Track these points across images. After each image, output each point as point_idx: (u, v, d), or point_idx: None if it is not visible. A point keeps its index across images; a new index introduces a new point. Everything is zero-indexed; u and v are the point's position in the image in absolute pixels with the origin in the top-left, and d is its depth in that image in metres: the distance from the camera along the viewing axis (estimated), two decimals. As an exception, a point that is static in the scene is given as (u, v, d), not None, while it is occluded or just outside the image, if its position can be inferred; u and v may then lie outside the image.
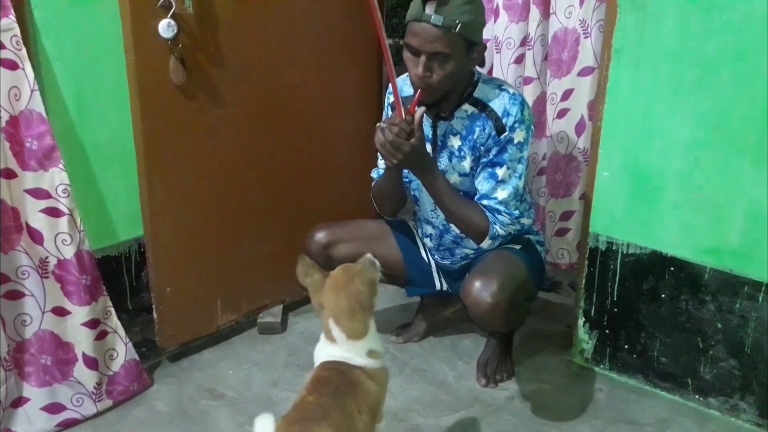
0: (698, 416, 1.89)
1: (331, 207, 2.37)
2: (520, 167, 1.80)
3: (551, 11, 2.19)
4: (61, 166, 1.68)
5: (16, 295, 1.69)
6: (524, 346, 2.20)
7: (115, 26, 1.76)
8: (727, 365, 1.84)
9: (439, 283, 2.12)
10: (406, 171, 1.89)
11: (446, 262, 2.07)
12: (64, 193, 1.69)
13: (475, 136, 1.80)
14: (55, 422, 1.78)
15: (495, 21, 2.25)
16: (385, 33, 1.60)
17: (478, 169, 1.83)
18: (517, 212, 1.83)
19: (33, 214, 1.67)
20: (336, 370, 1.39)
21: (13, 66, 1.58)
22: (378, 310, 1.48)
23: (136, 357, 1.94)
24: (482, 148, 1.80)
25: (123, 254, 1.99)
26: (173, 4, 1.77)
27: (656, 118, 1.80)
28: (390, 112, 1.97)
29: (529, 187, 2.21)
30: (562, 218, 2.38)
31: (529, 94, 2.28)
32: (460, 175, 1.87)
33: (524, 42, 2.24)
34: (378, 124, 1.72)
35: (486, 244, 1.86)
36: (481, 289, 1.76)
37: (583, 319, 2.08)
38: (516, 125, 1.75)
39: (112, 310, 1.86)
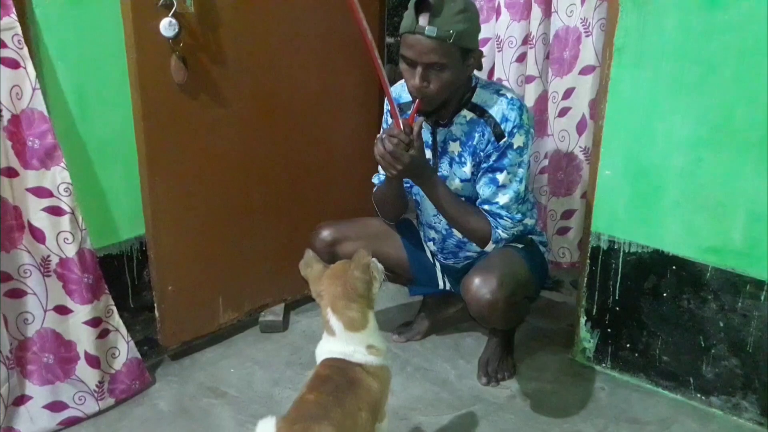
0: (700, 415, 1.89)
1: (333, 206, 2.37)
2: (521, 171, 1.80)
3: (553, 10, 2.19)
4: (62, 164, 1.68)
5: (18, 294, 1.70)
6: (526, 345, 2.20)
7: (117, 25, 1.76)
8: (729, 364, 1.84)
9: (443, 283, 2.12)
10: None
11: (450, 261, 2.07)
12: (66, 191, 1.70)
13: (474, 142, 1.80)
14: (57, 420, 1.79)
15: (497, 19, 2.25)
16: (378, 53, 1.59)
17: (479, 175, 1.83)
18: (519, 215, 1.83)
19: (35, 212, 1.68)
20: (336, 367, 1.39)
21: (14, 65, 1.58)
22: (380, 309, 1.48)
23: (138, 355, 1.95)
24: (482, 153, 1.80)
25: (125, 253, 1.99)
26: (175, 2, 1.77)
27: (658, 117, 1.80)
28: (389, 119, 1.97)
29: (531, 186, 2.21)
30: (564, 217, 2.38)
31: (531, 92, 2.27)
32: (462, 180, 1.86)
33: (526, 40, 2.23)
34: (378, 136, 1.71)
35: (489, 248, 1.87)
36: (480, 286, 1.76)
37: (585, 317, 2.07)
38: (515, 130, 1.75)
39: (114, 308, 1.86)
